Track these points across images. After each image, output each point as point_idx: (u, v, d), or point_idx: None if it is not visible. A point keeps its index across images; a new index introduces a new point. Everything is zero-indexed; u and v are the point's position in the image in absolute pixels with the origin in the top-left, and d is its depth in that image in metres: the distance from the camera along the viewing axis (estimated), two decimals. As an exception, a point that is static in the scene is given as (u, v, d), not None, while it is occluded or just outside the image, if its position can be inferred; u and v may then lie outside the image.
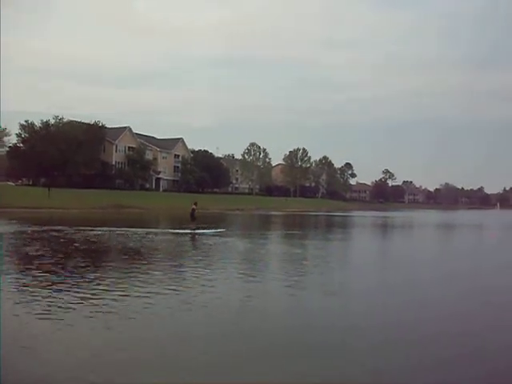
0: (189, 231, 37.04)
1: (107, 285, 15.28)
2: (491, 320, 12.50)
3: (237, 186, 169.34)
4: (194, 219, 39.15)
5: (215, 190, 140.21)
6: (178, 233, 36.80)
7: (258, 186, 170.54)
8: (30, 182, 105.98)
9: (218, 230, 38.99)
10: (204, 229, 38.55)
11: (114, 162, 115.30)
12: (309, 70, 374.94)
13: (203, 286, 15.61)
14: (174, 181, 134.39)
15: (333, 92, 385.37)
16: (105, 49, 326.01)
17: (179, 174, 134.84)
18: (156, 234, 36.48)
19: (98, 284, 15.36)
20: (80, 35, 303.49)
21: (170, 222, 56.26)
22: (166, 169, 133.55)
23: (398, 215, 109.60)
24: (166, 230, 38.64)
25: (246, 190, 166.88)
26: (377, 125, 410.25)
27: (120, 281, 16.06)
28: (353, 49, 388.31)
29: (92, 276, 16.70)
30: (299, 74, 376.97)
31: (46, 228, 36.47)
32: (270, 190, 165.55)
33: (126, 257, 22.98)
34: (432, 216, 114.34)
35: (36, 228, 36.34)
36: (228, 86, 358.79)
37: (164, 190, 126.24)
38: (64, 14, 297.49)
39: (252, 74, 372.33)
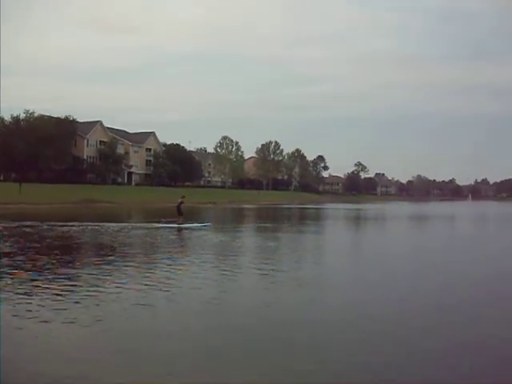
0: (175, 225, 37.06)
1: (78, 281, 15.32)
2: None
3: (209, 179, 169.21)
4: (181, 213, 39.06)
5: (187, 183, 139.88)
6: (164, 227, 36.83)
7: (230, 180, 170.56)
8: (1, 178, 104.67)
9: (205, 224, 39.10)
10: (190, 223, 38.66)
11: (85, 157, 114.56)
12: (281, 65, 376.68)
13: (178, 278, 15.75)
14: (146, 175, 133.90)
15: (305, 86, 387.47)
16: (77, 45, 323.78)
17: (151, 168, 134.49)
18: (140, 228, 36.37)
19: (70, 280, 15.39)
20: (54, 32, 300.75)
21: (148, 216, 56.01)
22: (137, 163, 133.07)
23: (370, 207, 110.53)
24: (151, 225, 38.43)
25: (219, 184, 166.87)
26: (349, 118, 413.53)
27: (98, 276, 16.06)
28: (326, 44, 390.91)
29: (63, 272, 16.74)
30: (272, 69, 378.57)
31: (17, 224, 36.14)
32: (242, 184, 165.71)
33: (105, 252, 22.90)
34: (404, 208, 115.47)
35: (6, 224, 35.98)
36: (201, 81, 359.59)
37: (136, 184, 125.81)
38: (38, 11, 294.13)
39: (225, 69, 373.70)
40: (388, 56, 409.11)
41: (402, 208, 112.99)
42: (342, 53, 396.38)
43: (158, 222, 39.88)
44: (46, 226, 34.56)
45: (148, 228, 36.32)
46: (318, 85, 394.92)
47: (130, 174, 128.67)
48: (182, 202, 39.58)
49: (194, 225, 38.30)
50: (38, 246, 24.24)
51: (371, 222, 58.79)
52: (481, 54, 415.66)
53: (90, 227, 34.89)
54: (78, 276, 16.15)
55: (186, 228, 36.28)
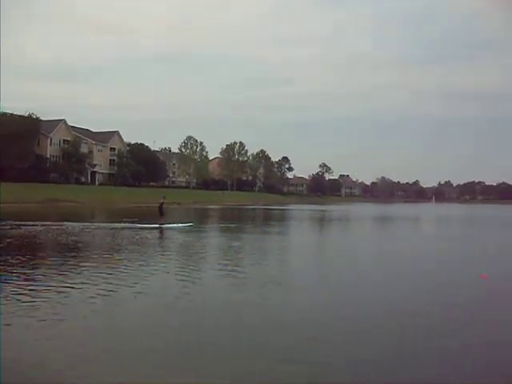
0: (157, 226, 37.21)
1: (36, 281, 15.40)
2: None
3: (174, 179, 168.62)
4: (163, 214, 39.16)
5: (152, 183, 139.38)
6: (145, 227, 36.86)
7: (195, 180, 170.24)
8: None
9: (187, 225, 39.38)
10: (172, 223, 39.01)
11: (48, 155, 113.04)
12: (248, 66, 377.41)
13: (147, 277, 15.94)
14: (109, 174, 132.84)
15: (269, 87, 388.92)
16: (42, 43, 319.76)
17: (115, 168, 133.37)
18: (122, 228, 36.23)
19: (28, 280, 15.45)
20: (16, 28, 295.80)
21: (111, 216, 55.78)
22: (101, 162, 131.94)
23: (335, 209, 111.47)
24: (134, 225, 38.37)
25: (183, 184, 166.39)
26: (313, 119, 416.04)
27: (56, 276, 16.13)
28: (299, 46, 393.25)
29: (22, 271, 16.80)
30: (239, 70, 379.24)
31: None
32: (207, 184, 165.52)
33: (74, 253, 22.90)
34: (368, 209, 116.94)
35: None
36: (167, 81, 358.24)
37: (100, 184, 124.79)
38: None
39: (191, 69, 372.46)
40: (355, 58, 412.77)
41: (366, 209, 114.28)
42: (303, 54, 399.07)
43: (120, 223, 39.89)
44: (8, 226, 34.30)
45: (112, 228, 36.27)
46: (283, 86, 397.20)
47: (93, 173, 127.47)
48: (163, 203, 39.80)
49: (176, 225, 38.55)
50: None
51: (335, 224, 59.34)
52: (432, 57, 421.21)
53: (54, 227, 34.74)
54: (37, 276, 16.23)
55: (168, 228, 36.51)
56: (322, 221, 64.20)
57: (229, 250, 25.32)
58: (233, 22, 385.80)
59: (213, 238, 33.01)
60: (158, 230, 35.35)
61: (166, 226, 37.21)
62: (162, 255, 22.35)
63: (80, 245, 25.43)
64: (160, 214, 38.99)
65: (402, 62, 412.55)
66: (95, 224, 40.56)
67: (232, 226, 45.65)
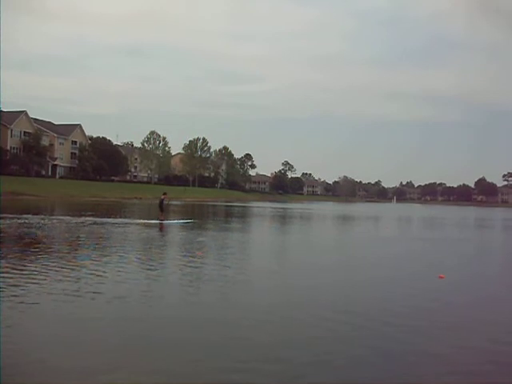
0: (158, 221, 38.27)
1: None
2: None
3: (136, 174, 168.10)
4: (163, 210, 39.74)
5: (113, 177, 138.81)
6: (147, 224, 37.58)
7: (157, 175, 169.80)
8: None
9: (187, 221, 40.86)
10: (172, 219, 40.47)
11: (8, 147, 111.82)
12: (214, 62, 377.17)
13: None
14: (70, 168, 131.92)
15: (234, 84, 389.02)
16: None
17: (76, 161, 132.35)
18: (127, 224, 36.56)
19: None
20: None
21: (72, 209, 55.68)
22: (62, 155, 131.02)
23: (296, 207, 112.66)
24: (135, 221, 39.18)
25: (145, 179, 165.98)
26: (277, 118, 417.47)
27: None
28: (262, 43, 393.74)
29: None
30: (205, 66, 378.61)
31: None
32: (169, 179, 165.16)
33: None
34: (329, 208, 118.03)
35: None
36: (131, 74, 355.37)
37: (60, 177, 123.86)
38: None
39: (157, 64, 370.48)
40: (305, 55, 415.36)
41: (327, 208, 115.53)
42: (274, 51, 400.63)
43: (80, 217, 40.14)
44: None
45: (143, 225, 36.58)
46: (249, 83, 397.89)
47: (54, 166, 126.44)
48: (163, 199, 40.32)
49: (177, 221, 39.36)
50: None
51: (295, 222, 60.12)
52: (405, 59, 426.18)
53: (15, 220, 34.85)
54: None
55: (169, 224, 37.50)
56: (283, 218, 64.89)
57: (189, 246, 25.58)
58: (200, 16, 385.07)
59: (176, 234, 33.28)
60: (158, 226, 36.32)
61: (166, 223, 38.11)
62: (121, 250, 22.65)
63: (40, 239, 25.60)
64: (160, 210, 39.73)
65: (368, 62, 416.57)
66: (59, 217, 40.71)
67: (192, 222, 45.84)
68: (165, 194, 41.87)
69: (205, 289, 14.91)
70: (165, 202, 41.16)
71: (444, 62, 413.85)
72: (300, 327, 11.15)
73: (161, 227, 35.87)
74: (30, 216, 38.32)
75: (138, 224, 37.22)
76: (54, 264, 17.50)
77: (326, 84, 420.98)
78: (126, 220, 39.71)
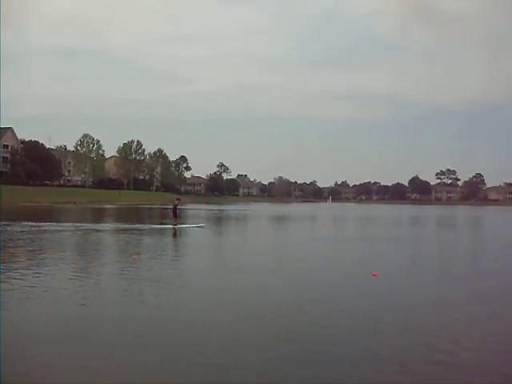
0: (171, 227, 39.58)
1: None
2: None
3: (69, 178, 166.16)
4: (176, 216, 40.52)
5: (46, 182, 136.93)
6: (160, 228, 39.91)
7: (91, 179, 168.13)
8: None
9: (199, 225, 42.67)
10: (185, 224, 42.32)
11: None
12: (146, 62, 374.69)
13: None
14: (2, 172, 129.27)
15: (168, 85, 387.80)
16: None
17: (8, 166, 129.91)
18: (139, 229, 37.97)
19: None
20: None
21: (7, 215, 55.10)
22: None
23: (232, 208, 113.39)
24: (149, 226, 41.65)
25: (79, 183, 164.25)
26: (212, 119, 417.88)
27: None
28: (196, 44, 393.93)
29: None
30: (138, 67, 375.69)
31: None
32: (103, 183, 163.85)
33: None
34: (265, 209, 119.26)
35: None
36: (65, 76, 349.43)
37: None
38: None
39: (92, 66, 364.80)
40: (254, 57, 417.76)
41: (263, 209, 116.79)
42: (213, 53, 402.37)
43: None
44: None
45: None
46: (183, 85, 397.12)
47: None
48: (177, 205, 40.89)
49: (190, 226, 40.99)
50: None
51: (229, 223, 60.96)
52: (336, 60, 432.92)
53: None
54: None
55: (182, 229, 38.80)
56: (219, 220, 65.63)
57: (124, 250, 26.19)
58: (137, 18, 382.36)
59: (108, 238, 33.77)
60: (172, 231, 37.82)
61: (179, 227, 39.40)
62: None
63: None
64: (174, 215, 40.60)
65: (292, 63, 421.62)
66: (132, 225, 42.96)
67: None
68: (178, 199, 43.41)
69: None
70: (179, 207, 42.01)
71: (373, 62, 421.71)
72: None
73: (174, 232, 37.19)
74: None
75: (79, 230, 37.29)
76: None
77: (261, 85, 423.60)
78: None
